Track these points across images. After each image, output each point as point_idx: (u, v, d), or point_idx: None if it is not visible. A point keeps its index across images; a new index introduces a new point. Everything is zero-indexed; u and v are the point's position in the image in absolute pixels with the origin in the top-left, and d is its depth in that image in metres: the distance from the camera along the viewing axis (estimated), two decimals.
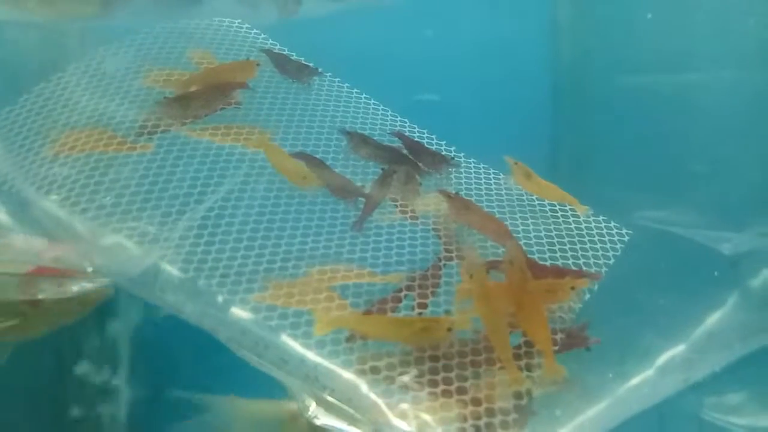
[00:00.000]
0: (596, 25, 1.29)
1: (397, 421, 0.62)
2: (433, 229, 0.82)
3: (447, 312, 0.71)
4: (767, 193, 0.96)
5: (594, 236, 0.86)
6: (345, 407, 0.65)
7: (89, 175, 0.75)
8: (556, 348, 0.69)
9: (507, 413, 0.63)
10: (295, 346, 0.66)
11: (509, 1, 1.28)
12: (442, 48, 1.23)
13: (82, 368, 1.04)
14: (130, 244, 0.70)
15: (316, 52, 1.03)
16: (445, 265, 0.77)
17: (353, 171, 0.88)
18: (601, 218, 0.89)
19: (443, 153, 0.95)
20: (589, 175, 1.18)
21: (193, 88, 0.88)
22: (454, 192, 0.86)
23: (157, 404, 1.07)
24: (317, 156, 0.87)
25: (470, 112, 1.21)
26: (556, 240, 0.84)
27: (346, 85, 1.00)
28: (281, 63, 0.98)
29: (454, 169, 0.93)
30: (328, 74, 1.00)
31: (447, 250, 0.79)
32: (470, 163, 0.96)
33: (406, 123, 0.99)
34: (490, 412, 0.63)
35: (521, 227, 0.86)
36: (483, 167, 0.95)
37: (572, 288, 0.75)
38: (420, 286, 0.73)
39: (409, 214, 0.84)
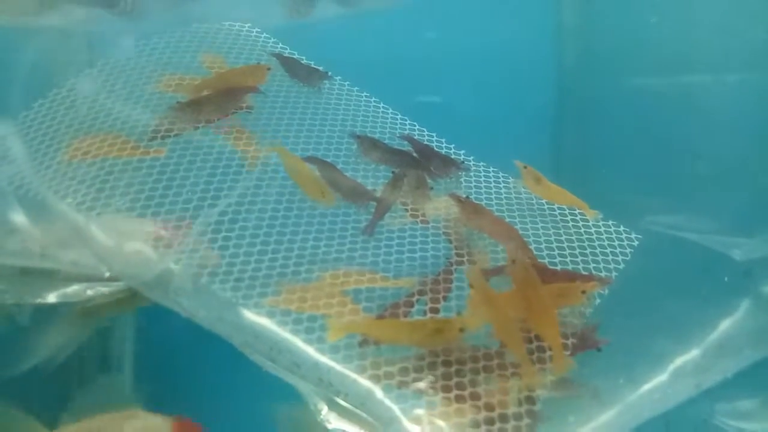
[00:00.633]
0: (601, 27, 1.29)
1: (411, 427, 0.62)
2: (444, 233, 0.83)
3: (459, 314, 0.71)
4: None
5: (604, 241, 0.86)
6: (359, 412, 0.65)
7: (104, 179, 0.76)
8: (568, 353, 0.70)
9: (520, 418, 0.63)
10: (308, 350, 0.67)
11: (515, 5, 1.28)
12: (446, 51, 1.23)
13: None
14: (144, 249, 0.70)
15: (320, 54, 1.03)
16: (456, 269, 0.78)
17: (364, 175, 0.88)
18: (610, 222, 0.89)
19: (453, 157, 0.95)
20: (594, 179, 1.18)
21: (205, 93, 0.88)
22: (464, 196, 0.87)
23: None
24: (328, 160, 0.88)
25: (475, 115, 1.22)
26: (566, 244, 0.85)
27: (356, 88, 1.01)
28: (292, 67, 0.99)
29: (463, 173, 0.93)
30: (337, 78, 1.01)
31: (458, 254, 0.80)
32: (479, 167, 0.96)
33: (415, 126, 1.00)
34: (504, 418, 0.63)
35: (531, 231, 0.86)
36: (492, 171, 0.96)
37: (583, 292, 0.75)
38: (432, 291, 0.74)
39: (420, 217, 0.84)
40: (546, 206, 0.90)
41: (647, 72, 1.17)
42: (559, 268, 0.81)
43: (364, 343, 0.68)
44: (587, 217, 0.89)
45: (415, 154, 0.93)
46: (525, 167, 0.92)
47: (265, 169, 0.83)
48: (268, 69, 0.94)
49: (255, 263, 0.72)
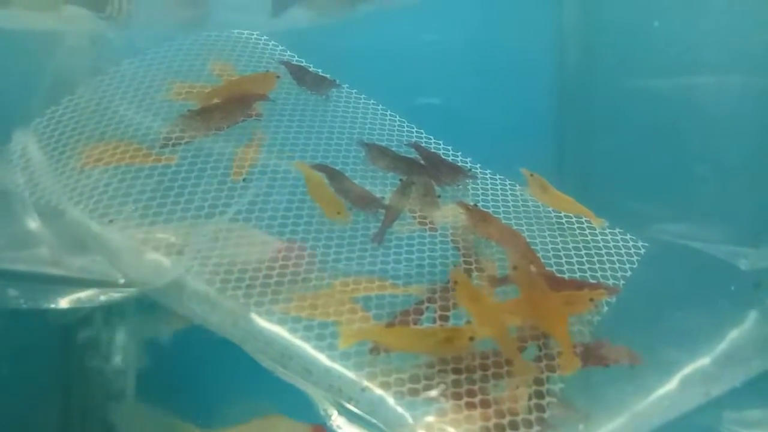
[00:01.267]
0: (603, 31, 1.29)
1: None
2: (452, 240, 0.83)
3: (468, 323, 0.71)
4: None
5: (611, 249, 0.87)
6: (369, 418, 0.66)
7: (117, 187, 0.77)
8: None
9: (530, 425, 0.64)
10: (320, 357, 0.67)
11: (516, 8, 1.28)
12: (447, 54, 1.24)
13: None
14: (157, 255, 0.71)
15: (323, 58, 1.04)
16: None
17: (372, 182, 0.89)
18: (617, 230, 0.89)
19: (460, 164, 0.96)
20: (598, 183, 1.19)
21: (215, 101, 0.89)
22: (472, 204, 0.87)
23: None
24: (337, 167, 0.88)
25: (477, 119, 1.21)
26: (573, 252, 0.85)
27: (363, 96, 1.01)
28: (300, 75, 0.99)
29: (471, 181, 0.94)
30: (345, 86, 1.01)
31: (466, 262, 0.80)
32: (486, 175, 0.97)
33: (422, 134, 1.00)
34: (514, 425, 0.63)
35: (539, 239, 0.86)
36: (499, 178, 0.96)
37: (591, 299, 0.76)
38: (441, 298, 0.74)
39: (428, 225, 0.85)
40: (553, 214, 0.91)
41: (650, 76, 1.17)
42: (566, 276, 0.81)
43: (374, 350, 0.68)
44: (594, 226, 0.90)
45: (422, 162, 0.93)
46: (531, 175, 0.92)
47: (275, 176, 0.84)
48: (277, 77, 0.95)
49: (266, 270, 0.72)
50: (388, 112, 1.01)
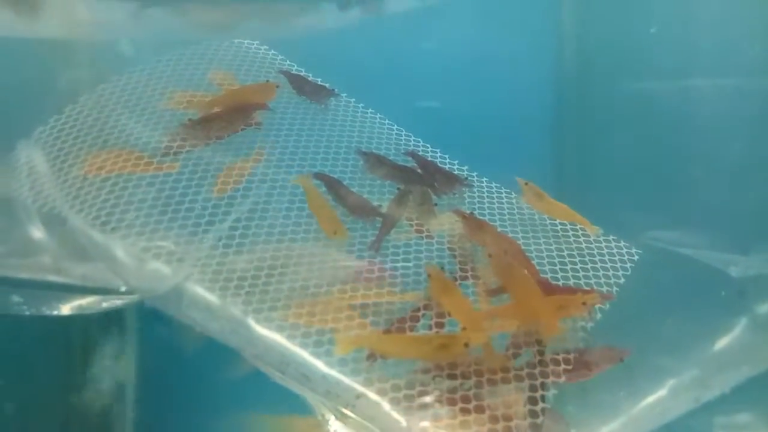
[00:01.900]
0: (601, 38, 1.30)
1: None
2: (449, 248, 0.85)
3: (463, 329, 0.73)
4: None
5: (605, 255, 0.88)
6: (366, 424, 0.67)
7: (118, 195, 0.78)
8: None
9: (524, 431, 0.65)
10: (317, 363, 0.68)
11: (514, 17, 1.29)
12: (444, 61, 1.25)
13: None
14: (158, 263, 0.72)
15: (325, 65, 1.05)
16: (460, 284, 0.80)
17: (370, 191, 0.90)
18: (611, 237, 0.91)
19: (456, 173, 0.97)
20: (593, 189, 1.20)
21: (215, 110, 0.90)
22: (468, 212, 0.89)
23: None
24: (335, 176, 0.90)
25: (473, 127, 1.22)
26: (567, 259, 0.86)
27: (361, 105, 1.03)
28: (299, 84, 1.01)
29: (467, 189, 0.95)
30: (343, 95, 1.03)
31: (462, 270, 0.82)
32: (482, 182, 0.98)
33: (419, 143, 1.01)
34: (508, 430, 0.65)
35: (533, 246, 0.88)
36: (495, 186, 0.98)
37: (584, 303, 0.77)
38: (437, 305, 0.76)
39: (425, 233, 0.86)
40: (548, 222, 0.92)
41: (647, 83, 1.18)
42: (561, 283, 0.83)
43: (371, 357, 0.70)
44: (588, 233, 0.91)
45: (419, 171, 0.95)
46: (526, 184, 0.94)
47: (274, 185, 0.85)
48: (277, 86, 0.96)
49: (265, 277, 0.73)
50: (386, 121, 1.02)
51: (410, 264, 0.81)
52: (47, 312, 0.70)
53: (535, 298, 0.76)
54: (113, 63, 0.97)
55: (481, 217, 0.89)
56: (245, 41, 1.06)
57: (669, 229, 0.94)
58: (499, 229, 0.88)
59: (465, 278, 0.81)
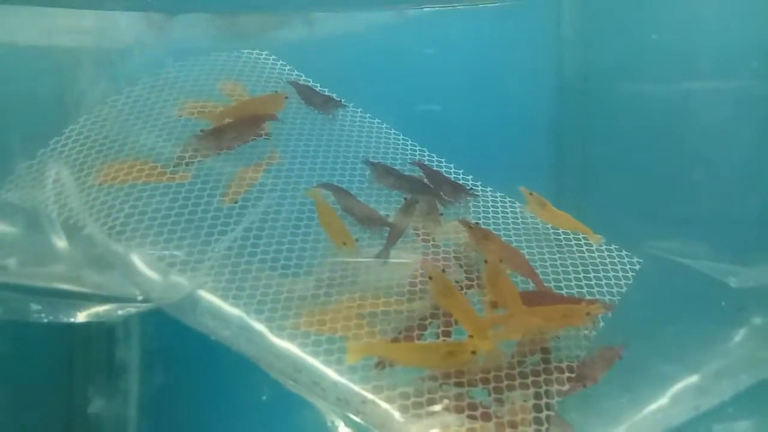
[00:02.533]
0: (602, 44, 1.31)
1: None
2: (455, 257, 0.86)
3: (471, 337, 0.74)
4: None
5: (607, 265, 0.90)
6: (375, 431, 0.69)
7: (132, 204, 0.79)
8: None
9: None
10: (328, 371, 0.70)
11: (516, 25, 1.30)
12: (445, 69, 1.25)
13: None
14: (172, 272, 0.74)
15: (327, 71, 1.07)
16: (466, 293, 0.81)
17: (377, 201, 0.92)
18: (613, 247, 0.92)
19: (462, 183, 0.99)
20: (594, 200, 1.20)
21: (226, 121, 0.92)
22: (474, 222, 0.90)
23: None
24: (342, 185, 0.91)
25: (474, 133, 1.23)
26: (570, 269, 0.88)
27: (368, 115, 1.04)
28: (307, 95, 1.02)
29: (472, 199, 0.97)
30: (350, 105, 1.05)
31: (468, 279, 0.83)
32: (487, 192, 1.00)
33: (425, 152, 1.03)
34: None
35: (537, 256, 0.89)
36: (500, 196, 0.99)
37: (588, 313, 0.79)
38: (444, 314, 0.77)
39: (431, 243, 0.88)
40: (551, 231, 0.94)
41: (649, 91, 1.19)
42: (564, 292, 0.84)
43: (380, 364, 0.71)
44: (591, 242, 0.93)
45: (426, 181, 0.96)
46: (531, 194, 0.95)
47: (284, 194, 0.87)
48: (286, 98, 0.98)
49: (276, 286, 0.75)
50: (392, 131, 1.04)
51: (417, 273, 0.82)
52: (64, 320, 0.71)
53: (514, 308, 0.78)
54: (125, 73, 0.98)
55: (485, 227, 0.91)
56: (254, 52, 1.07)
57: (669, 239, 0.96)
58: (503, 239, 0.90)
59: (470, 287, 0.82)
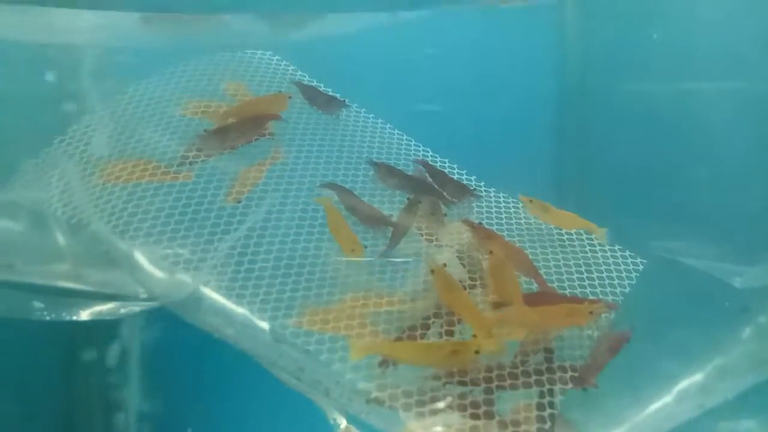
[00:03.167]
0: (603, 44, 1.30)
1: None
2: (458, 257, 0.86)
3: (474, 336, 0.74)
4: None
5: (610, 265, 0.90)
6: (379, 429, 0.69)
7: (136, 203, 0.80)
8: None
9: None
10: (331, 369, 0.70)
11: (516, 21, 1.30)
12: (447, 69, 1.25)
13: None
14: (176, 270, 0.74)
15: (328, 71, 1.07)
16: (469, 293, 0.81)
17: (380, 200, 0.92)
18: (616, 247, 0.92)
19: (465, 183, 0.99)
20: (597, 200, 1.20)
21: (230, 120, 0.92)
22: (477, 222, 0.90)
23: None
24: (346, 185, 0.92)
25: (475, 132, 1.23)
26: (574, 269, 0.88)
27: (372, 116, 1.04)
28: (311, 95, 1.02)
29: (475, 200, 0.97)
30: (354, 105, 1.05)
31: (471, 278, 0.83)
32: (490, 193, 1.00)
33: (428, 152, 1.03)
34: None
35: (540, 256, 0.89)
36: (503, 196, 0.99)
37: (591, 312, 0.79)
38: (447, 313, 0.77)
39: (435, 242, 0.88)
40: (555, 232, 0.94)
41: (651, 92, 1.19)
42: (567, 292, 0.84)
43: (383, 363, 0.71)
44: (594, 240, 0.92)
45: (429, 181, 0.96)
46: (531, 201, 0.95)
47: (287, 194, 0.87)
48: (289, 98, 0.98)
49: (279, 285, 0.75)
50: (396, 131, 1.04)
51: (420, 272, 0.82)
52: (66, 318, 0.72)
53: (514, 301, 0.78)
54: (129, 73, 0.98)
55: (489, 227, 0.91)
56: (258, 52, 1.08)
57: (673, 239, 0.96)
58: (507, 239, 0.90)
59: (474, 287, 0.82)
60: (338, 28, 1.22)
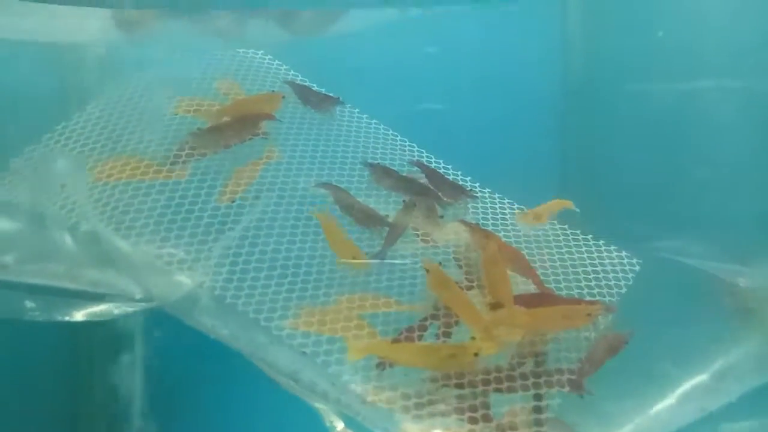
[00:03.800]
0: (607, 43, 1.30)
1: None
2: (455, 258, 0.86)
3: (473, 338, 0.74)
4: None
5: (606, 266, 0.89)
6: None
7: (128, 202, 0.78)
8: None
9: None
10: (328, 371, 0.69)
11: (520, 19, 1.29)
12: (450, 66, 1.25)
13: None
14: (170, 270, 0.73)
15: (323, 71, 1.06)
16: (467, 293, 0.81)
17: (376, 201, 0.91)
18: (612, 248, 0.92)
19: (461, 184, 0.99)
20: (600, 200, 1.18)
21: (223, 119, 0.91)
22: (473, 223, 0.90)
23: None
24: (341, 185, 0.91)
25: (478, 132, 1.23)
26: (570, 270, 0.88)
27: (366, 115, 1.04)
28: (304, 94, 1.02)
29: (471, 200, 0.96)
30: (348, 105, 1.04)
31: (468, 279, 0.83)
32: (485, 193, 0.99)
33: (423, 153, 1.02)
34: None
35: (537, 257, 0.89)
36: (498, 197, 0.99)
37: (588, 314, 0.78)
38: (444, 315, 0.77)
39: (431, 243, 0.87)
40: (551, 234, 0.94)
41: (654, 87, 1.18)
42: (564, 294, 0.84)
43: (380, 365, 0.71)
44: (590, 243, 0.92)
45: (425, 182, 0.96)
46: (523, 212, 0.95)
47: (282, 194, 0.86)
48: (283, 97, 0.97)
49: (275, 286, 0.74)
50: (390, 131, 1.03)
51: (417, 274, 0.82)
52: (59, 318, 0.70)
53: (506, 302, 0.78)
54: (121, 70, 0.97)
55: (485, 228, 0.91)
56: (250, 51, 1.07)
57: (676, 239, 0.96)
58: (503, 239, 0.90)
59: (471, 288, 0.82)
60: (337, 27, 1.21)
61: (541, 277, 0.85)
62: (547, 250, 0.90)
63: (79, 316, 0.71)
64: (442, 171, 1.00)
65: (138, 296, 0.70)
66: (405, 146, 1.02)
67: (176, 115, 0.92)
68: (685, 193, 1.08)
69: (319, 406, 0.71)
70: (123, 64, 0.99)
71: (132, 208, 0.78)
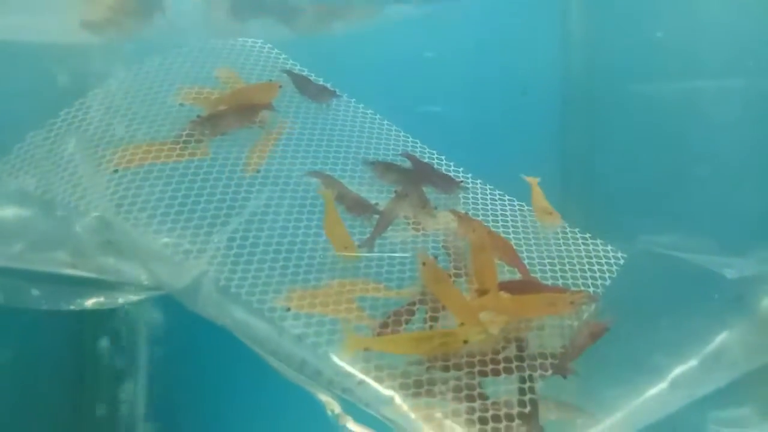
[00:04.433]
0: (607, 42, 1.31)
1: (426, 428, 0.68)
2: (443, 246, 0.88)
3: (462, 325, 0.76)
4: None
5: (592, 258, 0.92)
6: (363, 408, 0.70)
7: (136, 192, 0.80)
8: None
9: (511, 419, 0.69)
10: (329, 360, 0.72)
11: (520, 20, 1.31)
12: (450, 65, 1.27)
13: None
14: (176, 258, 0.75)
15: (328, 67, 1.08)
16: (454, 281, 0.83)
17: (368, 190, 0.93)
18: (598, 241, 0.95)
19: (453, 176, 1.01)
20: (598, 196, 1.22)
21: (222, 108, 0.93)
22: (463, 212, 0.92)
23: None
24: (335, 174, 0.93)
25: (478, 131, 1.25)
26: (557, 261, 0.90)
27: (362, 106, 1.05)
28: (302, 84, 1.03)
29: (462, 191, 0.99)
30: (344, 95, 1.06)
31: (456, 267, 0.85)
32: (477, 184, 1.01)
33: (417, 143, 1.04)
34: (496, 419, 0.69)
35: (524, 247, 0.91)
36: (489, 188, 1.01)
37: (572, 302, 0.81)
38: (431, 300, 0.79)
39: (421, 231, 0.89)
40: (539, 226, 0.96)
41: (653, 86, 1.20)
42: (549, 282, 0.87)
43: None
44: (577, 236, 0.95)
45: (420, 174, 0.97)
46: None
47: (277, 182, 0.88)
48: (280, 86, 0.99)
49: (279, 276, 0.77)
50: (385, 122, 1.05)
51: (406, 260, 0.84)
52: (64, 307, 0.72)
53: (491, 287, 0.80)
54: (120, 60, 0.99)
55: (475, 217, 0.93)
56: (249, 40, 1.08)
57: (672, 234, 0.97)
58: (492, 229, 0.92)
59: (458, 275, 0.84)
60: (336, 26, 1.23)
61: (528, 267, 0.87)
62: (535, 241, 0.92)
63: (85, 303, 0.72)
64: (434, 161, 1.02)
65: (145, 283, 0.72)
66: (399, 136, 1.04)
67: (179, 103, 0.94)
68: (681, 186, 1.10)
69: (320, 392, 0.73)
70: (123, 54, 1.01)
71: (139, 198, 0.79)
